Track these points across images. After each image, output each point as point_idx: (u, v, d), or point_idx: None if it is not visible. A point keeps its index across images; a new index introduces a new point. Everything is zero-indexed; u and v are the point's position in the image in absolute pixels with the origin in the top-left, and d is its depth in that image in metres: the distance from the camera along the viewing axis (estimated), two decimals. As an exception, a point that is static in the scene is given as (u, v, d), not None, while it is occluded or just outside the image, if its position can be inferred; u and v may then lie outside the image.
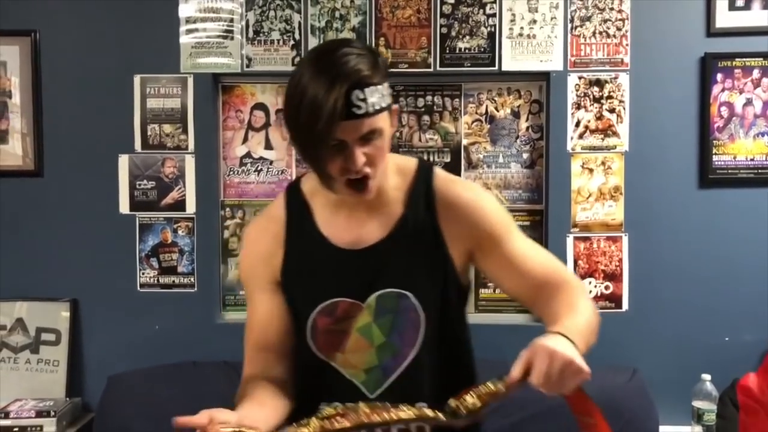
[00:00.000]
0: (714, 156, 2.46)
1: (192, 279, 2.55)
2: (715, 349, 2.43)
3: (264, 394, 1.23)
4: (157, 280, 2.55)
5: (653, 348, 2.44)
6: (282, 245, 1.30)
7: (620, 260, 2.49)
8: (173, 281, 2.55)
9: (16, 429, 2.27)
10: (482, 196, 1.32)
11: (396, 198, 1.28)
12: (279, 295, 1.31)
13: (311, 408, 1.25)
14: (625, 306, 2.48)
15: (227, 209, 2.60)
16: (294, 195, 1.34)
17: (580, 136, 2.49)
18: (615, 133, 2.49)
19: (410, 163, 1.33)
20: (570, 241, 2.48)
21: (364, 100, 1.13)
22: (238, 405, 1.19)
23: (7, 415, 2.29)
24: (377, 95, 1.15)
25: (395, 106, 1.24)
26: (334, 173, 1.18)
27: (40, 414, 2.30)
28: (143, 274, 2.54)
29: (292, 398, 1.28)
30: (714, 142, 2.46)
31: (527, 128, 2.57)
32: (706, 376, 2.17)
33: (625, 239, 2.49)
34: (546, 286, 1.26)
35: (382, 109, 1.17)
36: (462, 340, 1.35)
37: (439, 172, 1.32)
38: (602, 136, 2.49)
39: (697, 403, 2.18)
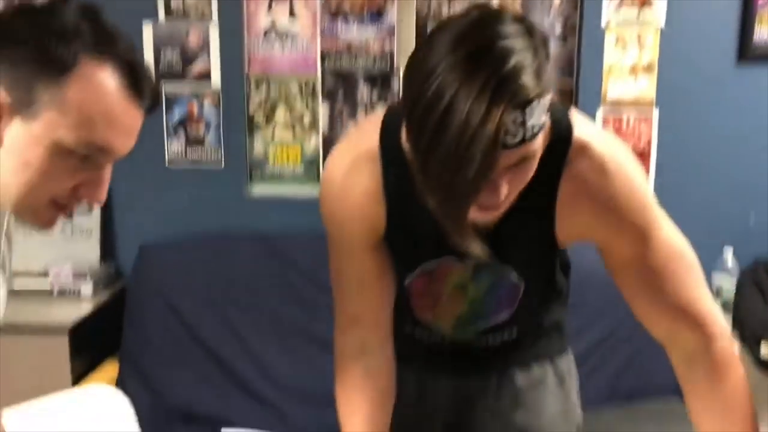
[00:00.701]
0: (756, 30, 2.36)
1: (219, 154, 2.57)
2: (739, 228, 2.42)
3: (369, 415, 1.13)
4: (185, 154, 2.58)
5: (676, 223, 2.44)
6: (382, 207, 1.08)
7: (649, 140, 2.46)
8: (201, 156, 2.57)
9: (56, 289, 2.37)
10: (622, 177, 1.01)
11: None
12: (376, 253, 1.12)
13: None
14: (651, 184, 2.46)
15: (252, 83, 2.58)
16: (391, 148, 1.04)
17: (615, 10, 2.40)
18: (651, 7, 2.39)
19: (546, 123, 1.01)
20: (599, 117, 2.45)
21: (523, 123, 0.83)
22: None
23: (45, 276, 2.39)
24: (538, 112, 0.84)
25: (551, 95, 0.88)
26: None
27: (77, 277, 2.40)
28: (171, 147, 2.57)
29: (392, 378, 1.19)
30: (757, 16, 2.36)
31: (561, 1, 2.48)
32: (728, 250, 2.18)
33: (655, 114, 2.44)
34: (684, 325, 1.05)
35: (541, 129, 0.86)
36: (560, 288, 1.22)
37: (578, 136, 1.01)
38: (638, 10, 2.40)
39: (717, 277, 2.21)
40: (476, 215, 0.90)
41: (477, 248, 0.94)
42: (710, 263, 2.23)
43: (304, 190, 2.57)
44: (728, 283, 2.21)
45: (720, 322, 1.07)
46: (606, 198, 1.01)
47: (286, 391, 2.30)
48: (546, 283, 1.19)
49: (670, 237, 1.06)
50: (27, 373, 2.11)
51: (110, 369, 2.36)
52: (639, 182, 1.04)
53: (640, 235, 1.03)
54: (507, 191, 0.88)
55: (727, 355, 1.05)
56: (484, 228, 0.97)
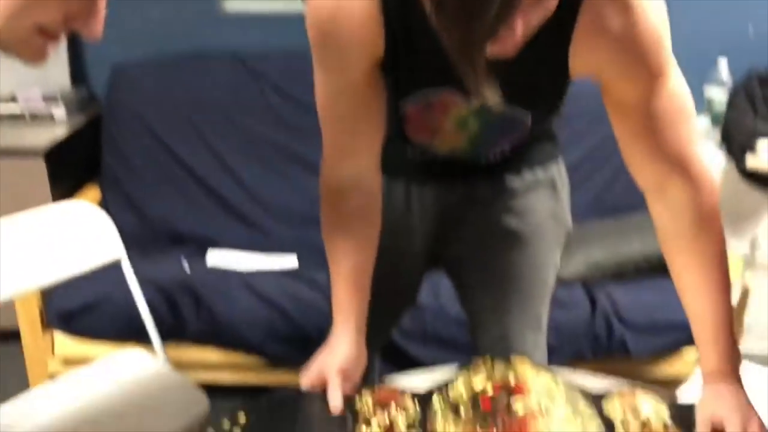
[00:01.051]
0: None
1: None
2: (735, 39, 2.33)
3: (356, 264, 1.13)
4: (151, -34, 2.40)
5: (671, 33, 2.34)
6: (381, 30, 0.98)
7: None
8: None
9: (27, 114, 2.29)
10: (643, 15, 0.95)
11: None
12: (372, 81, 1.05)
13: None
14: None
15: None
16: None
17: None
18: None
19: None
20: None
21: None
22: (335, 287, 1.13)
23: (14, 101, 2.29)
24: None
25: None
26: None
27: (47, 101, 2.31)
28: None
29: (379, 216, 1.16)
30: None
31: None
32: (722, 60, 2.11)
33: None
34: (675, 173, 1.02)
35: None
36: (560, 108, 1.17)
37: None
38: None
39: (709, 90, 2.15)
40: (492, 49, 0.82)
41: (491, 93, 0.86)
42: (703, 75, 2.17)
43: (280, 5, 2.43)
44: (720, 95, 2.16)
45: (711, 177, 1.05)
46: (622, 35, 0.95)
47: (268, 211, 2.32)
48: (551, 112, 1.15)
49: (677, 86, 1.01)
50: (6, 198, 2.08)
51: (92, 193, 2.34)
52: (659, 23, 0.97)
53: (649, 79, 0.98)
54: (525, 27, 0.80)
55: (712, 209, 1.04)
56: (494, 66, 0.88)
